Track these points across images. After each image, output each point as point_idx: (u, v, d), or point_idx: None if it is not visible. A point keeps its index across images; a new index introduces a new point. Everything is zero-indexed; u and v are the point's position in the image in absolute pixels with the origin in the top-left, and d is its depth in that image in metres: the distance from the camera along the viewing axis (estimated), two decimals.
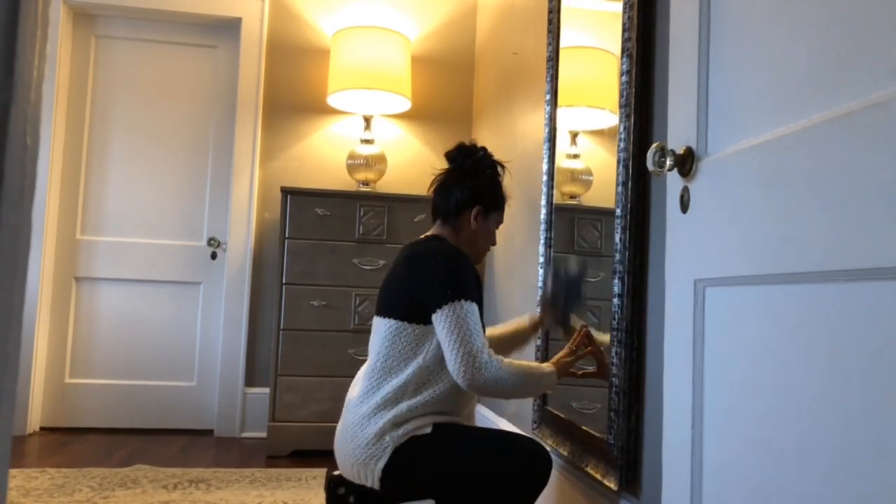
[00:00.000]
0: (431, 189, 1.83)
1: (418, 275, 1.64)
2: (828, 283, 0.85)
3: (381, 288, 1.75)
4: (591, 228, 1.85)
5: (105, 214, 3.39)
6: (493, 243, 1.85)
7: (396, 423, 1.56)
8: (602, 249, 1.77)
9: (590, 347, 1.71)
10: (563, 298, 1.92)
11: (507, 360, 1.58)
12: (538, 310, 2.08)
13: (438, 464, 1.54)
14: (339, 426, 1.67)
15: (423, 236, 1.79)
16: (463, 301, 1.56)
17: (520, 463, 1.52)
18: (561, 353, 1.72)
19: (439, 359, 1.60)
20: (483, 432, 1.58)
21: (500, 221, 1.85)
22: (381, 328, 1.67)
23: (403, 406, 1.57)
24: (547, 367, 1.66)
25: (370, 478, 1.56)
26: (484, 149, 1.82)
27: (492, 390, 1.55)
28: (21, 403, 3.16)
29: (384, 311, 1.69)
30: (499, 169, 1.83)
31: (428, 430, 1.57)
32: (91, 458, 2.77)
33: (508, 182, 2.74)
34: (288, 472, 2.64)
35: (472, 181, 1.78)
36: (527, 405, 2.20)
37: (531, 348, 2.26)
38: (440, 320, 1.56)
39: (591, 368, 1.71)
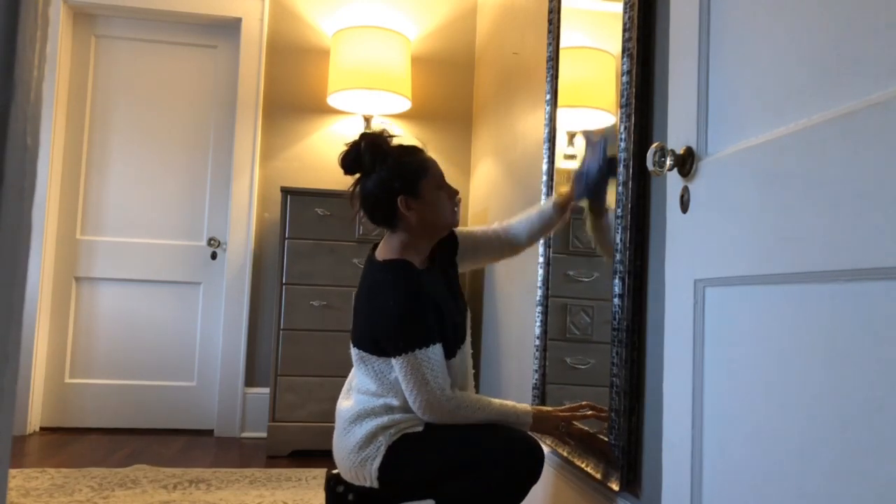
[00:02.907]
0: (354, 208, 1.70)
1: (373, 315, 1.61)
2: (828, 283, 0.85)
3: (354, 302, 1.73)
4: (583, 229, 1.85)
5: (105, 214, 3.39)
6: (452, 197, 1.68)
7: (387, 426, 1.59)
8: (596, 250, 1.77)
9: (590, 412, 1.66)
10: (595, 170, 1.70)
11: (474, 401, 1.58)
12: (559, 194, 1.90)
13: (431, 460, 1.56)
14: (334, 433, 1.69)
15: (383, 257, 1.67)
16: (416, 351, 1.54)
17: (512, 455, 1.52)
18: (552, 410, 1.67)
19: None
20: (475, 427, 1.58)
21: (438, 179, 1.67)
22: (355, 354, 1.67)
23: (397, 416, 1.60)
24: (523, 410, 1.63)
25: (368, 478, 1.58)
26: (363, 136, 1.65)
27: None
28: (21, 403, 3.16)
29: (353, 339, 1.68)
30: (387, 142, 1.65)
31: (419, 428, 1.59)
32: (91, 458, 2.77)
33: (507, 180, 2.74)
34: (288, 472, 2.64)
35: (372, 181, 1.63)
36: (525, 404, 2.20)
37: (530, 354, 2.26)
38: (397, 368, 1.57)
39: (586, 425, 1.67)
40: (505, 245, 1.86)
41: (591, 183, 1.72)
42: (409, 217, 1.63)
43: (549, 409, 1.68)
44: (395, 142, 1.69)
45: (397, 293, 1.57)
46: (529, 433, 1.62)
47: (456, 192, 1.71)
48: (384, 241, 1.71)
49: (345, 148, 1.67)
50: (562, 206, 1.81)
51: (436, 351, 1.56)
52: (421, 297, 1.58)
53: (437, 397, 1.54)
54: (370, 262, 1.70)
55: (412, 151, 1.68)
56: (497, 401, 1.62)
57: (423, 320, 1.56)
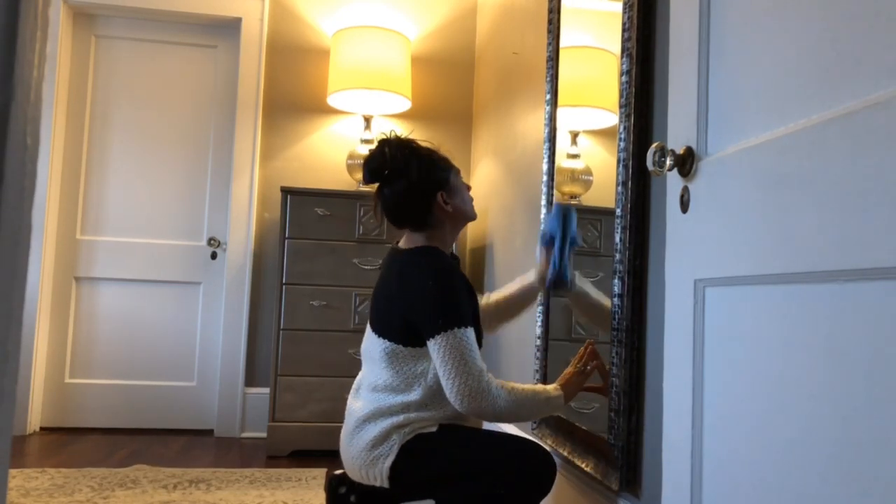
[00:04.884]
0: (377, 216, 1.71)
1: (409, 297, 1.58)
2: (828, 283, 0.85)
3: (374, 297, 1.71)
4: (590, 228, 1.85)
5: (105, 214, 3.39)
6: (468, 189, 1.76)
7: (402, 425, 1.57)
8: (601, 249, 1.77)
9: (596, 362, 1.65)
10: (560, 246, 1.75)
11: (508, 384, 1.55)
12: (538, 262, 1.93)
13: (444, 461, 1.54)
14: (343, 432, 1.67)
15: (407, 246, 1.69)
16: (456, 329, 1.52)
17: (524, 466, 1.52)
18: (567, 371, 1.66)
19: None
20: (489, 433, 1.58)
21: (459, 173, 1.75)
22: (377, 346, 1.64)
23: (412, 415, 1.58)
24: (553, 389, 1.60)
25: (379, 477, 1.56)
26: (385, 141, 1.67)
27: (493, 418, 1.54)
28: (21, 403, 3.16)
29: (378, 329, 1.65)
30: (411, 145, 1.68)
31: (433, 429, 1.58)
32: (91, 458, 2.77)
33: (507, 180, 2.74)
34: (288, 472, 2.64)
35: (408, 181, 1.64)
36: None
37: (531, 354, 2.26)
38: (434, 350, 1.53)
39: (596, 384, 1.66)
40: (486, 318, 1.88)
41: (561, 264, 1.76)
42: (444, 211, 1.67)
43: (564, 375, 1.65)
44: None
45: (434, 273, 1.57)
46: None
47: (469, 186, 1.78)
48: (407, 237, 1.72)
49: (369, 154, 1.68)
50: (542, 280, 1.84)
51: (471, 334, 1.55)
52: (456, 278, 1.59)
53: (476, 380, 1.49)
54: (396, 253, 1.70)
55: (433, 149, 1.72)
56: (520, 389, 1.56)
57: (460, 300, 1.56)
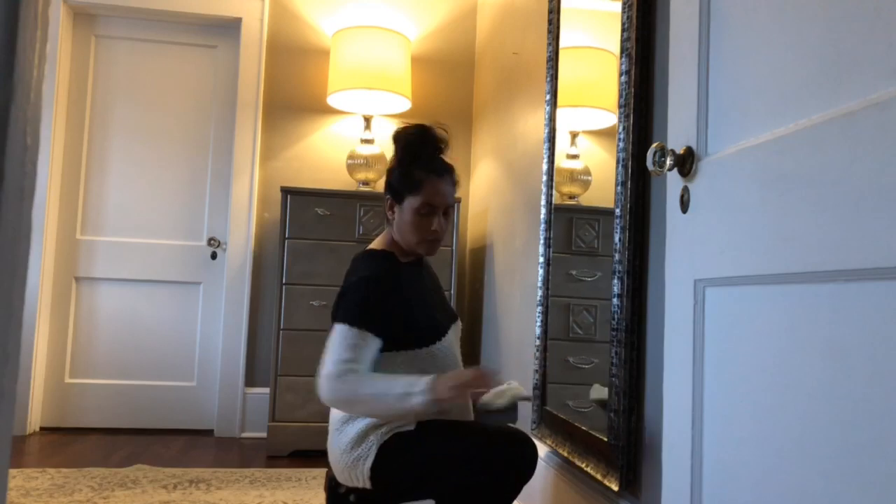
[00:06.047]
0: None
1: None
2: (828, 283, 0.85)
3: None
4: (588, 228, 1.86)
5: (105, 214, 3.39)
6: (431, 231, 1.64)
7: (378, 425, 1.57)
8: (599, 249, 1.77)
9: (479, 392, 1.55)
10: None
11: (367, 377, 1.49)
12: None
13: (424, 457, 1.54)
14: (328, 434, 1.68)
15: (371, 247, 1.73)
16: (341, 324, 1.54)
17: (504, 451, 1.51)
18: (457, 375, 1.48)
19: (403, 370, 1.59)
20: (467, 424, 1.58)
21: (423, 206, 1.63)
22: None
23: None
24: (421, 385, 1.45)
25: (360, 478, 1.56)
26: (422, 128, 1.68)
27: (344, 410, 1.54)
28: (21, 403, 3.16)
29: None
30: (416, 144, 1.66)
31: (411, 427, 1.58)
32: (91, 458, 2.77)
33: (507, 181, 2.74)
34: (288, 472, 2.64)
35: (388, 170, 1.70)
36: (525, 405, 2.20)
37: (531, 354, 2.26)
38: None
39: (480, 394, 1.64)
40: None
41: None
42: (392, 217, 1.72)
43: (451, 376, 1.49)
44: (448, 152, 1.72)
45: (359, 274, 1.62)
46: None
47: (432, 231, 1.65)
48: (382, 234, 1.77)
49: (409, 126, 1.70)
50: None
51: (354, 335, 1.52)
52: (377, 284, 1.59)
53: (329, 366, 1.50)
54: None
55: (427, 166, 1.65)
56: (377, 384, 1.48)
57: (365, 303, 1.56)
